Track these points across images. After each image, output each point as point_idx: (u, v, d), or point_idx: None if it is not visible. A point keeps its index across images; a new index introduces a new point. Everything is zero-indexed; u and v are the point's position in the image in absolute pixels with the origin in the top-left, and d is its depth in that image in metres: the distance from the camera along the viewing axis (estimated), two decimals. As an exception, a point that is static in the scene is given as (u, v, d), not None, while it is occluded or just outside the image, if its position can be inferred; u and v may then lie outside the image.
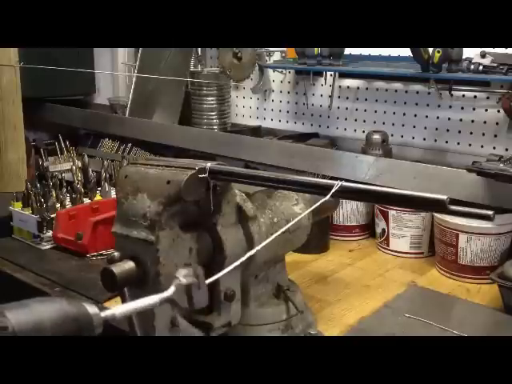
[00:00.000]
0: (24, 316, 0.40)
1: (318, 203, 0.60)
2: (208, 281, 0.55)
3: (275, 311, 0.91)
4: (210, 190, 0.75)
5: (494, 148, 1.43)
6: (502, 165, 1.12)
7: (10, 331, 0.39)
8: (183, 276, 0.55)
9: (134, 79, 1.95)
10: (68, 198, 1.45)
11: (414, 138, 1.57)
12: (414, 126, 1.57)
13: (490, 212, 0.53)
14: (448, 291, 1.15)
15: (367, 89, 1.65)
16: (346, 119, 1.70)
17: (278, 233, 0.55)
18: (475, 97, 1.45)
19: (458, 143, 1.49)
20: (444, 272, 1.23)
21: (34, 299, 0.42)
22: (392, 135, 1.56)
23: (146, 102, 1.96)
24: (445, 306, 1.09)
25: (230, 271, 0.78)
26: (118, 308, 0.46)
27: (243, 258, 0.56)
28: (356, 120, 1.68)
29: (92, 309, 0.44)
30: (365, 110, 1.66)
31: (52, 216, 1.35)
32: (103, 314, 0.45)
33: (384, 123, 1.62)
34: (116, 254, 0.72)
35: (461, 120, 1.48)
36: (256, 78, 1.81)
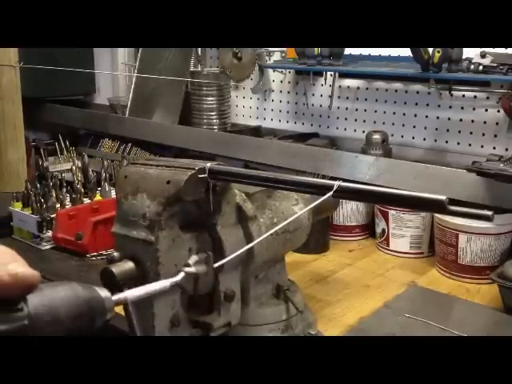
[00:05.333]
0: (37, 299, 0.41)
1: (316, 202, 0.60)
2: (216, 264, 0.56)
3: (275, 311, 0.91)
4: (209, 190, 0.75)
5: (494, 148, 1.43)
6: (501, 165, 1.12)
7: (25, 313, 0.40)
8: (194, 263, 0.55)
9: (133, 79, 1.95)
10: (68, 198, 1.45)
11: (413, 137, 1.57)
12: (414, 126, 1.57)
13: (489, 212, 0.53)
14: (448, 291, 1.15)
15: (367, 89, 1.65)
16: (346, 119, 1.70)
17: (277, 228, 0.56)
18: (475, 97, 1.45)
19: (458, 143, 1.49)
20: (444, 272, 1.23)
21: (46, 284, 0.43)
22: (392, 135, 1.56)
23: (146, 102, 1.96)
24: (445, 306, 1.09)
25: (230, 272, 0.78)
26: (129, 292, 0.47)
27: (242, 250, 0.56)
28: (356, 120, 1.68)
29: (103, 292, 0.45)
30: (365, 110, 1.66)
31: (52, 216, 1.34)
32: (115, 297, 0.46)
33: (384, 123, 1.62)
34: (116, 254, 0.72)
35: (461, 120, 1.48)
36: (256, 78, 1.81)
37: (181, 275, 0.54)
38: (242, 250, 0.57)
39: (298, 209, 0.93)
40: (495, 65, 1.26)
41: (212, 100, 1.82)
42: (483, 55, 1.26)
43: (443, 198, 0.54)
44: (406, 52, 1.46)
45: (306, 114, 1.79)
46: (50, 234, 1.34)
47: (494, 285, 1.07)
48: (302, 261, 1.29)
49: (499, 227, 1.17)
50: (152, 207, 0.72)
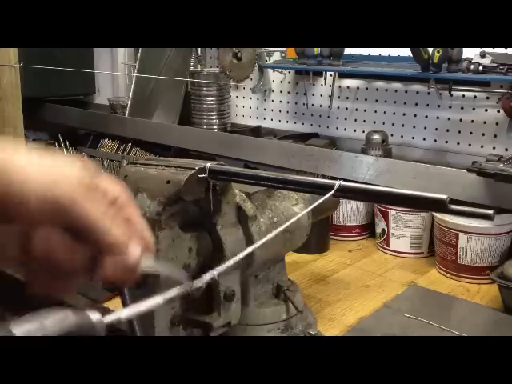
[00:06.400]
0: (27, 325, 0.41)
1: (318, 202, 0.60)
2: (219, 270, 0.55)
3: (275, 311, 0.91)
4: (209, 190, 0.75)
5: (494, 148, 1.43)
6: (501, 165, 1.12)
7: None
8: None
9: (133, 79, 1.95)
10: (68, 198, 1.44)
11: (413, 138, 1.57)
12: (414, 126, 1.57)
13: (490, 211, 0.53)
14: (448, 291, 1.15)
15: (367, 89, 1.65)
16: (345, 119, 1.70)
17: (279, 230, 0.55)
18: (475, 97, 1.45)
19: (458, 143, 1.49)
20: (444, 272, 1.23)
21: (39, 312, 0.43)
22: (392, 135, 1.56)
23: (146, 102, 1.96)
24: (445, 305, 1.09)
25: (229, 271, 0.78)
26: (120, 312, 0.47)
27: (244, 253, 0.55)
28: (356, 120, 1.68)
29: (95, 316, 0.45)
30: (365, 110, 1.66)
31: (52, 216, 1.34)
32: (107, 319, 0.46)
33: (384, 123, 1.62)
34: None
35: (461, 120, 1.48)
36: (256, 78, 1.81)
37: (174, 291, 0.52)
38: (243, 253, 0.57)
39: (298, 209, 0.93)
40: (495, 65, 1.26)
41: (212, 100, 1.82)
42: (483, 55, 1.26)
43: (444, 196, 0.54)
44: (406, 52, 1.46)
45: (306, 114, 1.79)
46: (49, 233, 1.34)
47: (494, 285, 1.07)
48: (302, 261, 1.29)
49: (499, 227, 1.17)
50: (152, 207, 0.72)
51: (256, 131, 1.85)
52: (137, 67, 1.93)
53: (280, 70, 1.80)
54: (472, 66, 1.27)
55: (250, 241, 0.82)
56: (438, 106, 1.51)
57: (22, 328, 0.41)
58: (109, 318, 0.46)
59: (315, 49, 1.51)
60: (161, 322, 0.72)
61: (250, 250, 0.55)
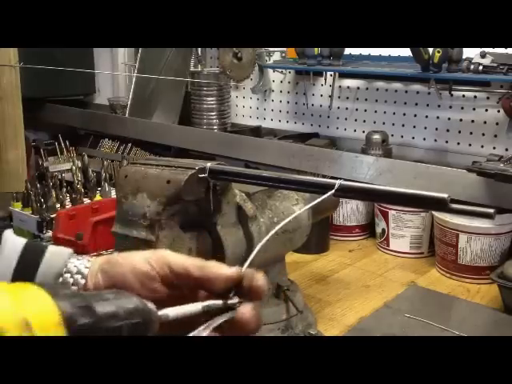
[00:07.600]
0: (108, 306, 0.44)
1: (318, 200, 0.59)
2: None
3: (275, 311, 0.91)
4: (210, 190, 0.75)
5: (494, 148, 1.43)
6: (501, 165, 1.12)
7: (92, 319, 0.42)
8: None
9: (133, 79, 1.95)
10: (68, 198, 1.44)
11: (413, 138, 1.57)
12: (414, 126, 1.57)
13: (490, 210, 0.52)
14: (448, 291, 1.15)
15: (367, 89, 1.65)
16: (346, 119, 1.70)
17: (278, 227, 0.55)
18: (475, 97, 1.45)
19: (458, 143, 1.49)
20: (444, 272, 1.23)
21: (110, 291, 0.46)
22: (392, 135, 1.56)
23: (146, 102, 1.96)
24: (445, 305, 1.09)
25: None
26: (170, 309, 0.49)
27: (253, 254, 0.56)
28: (356, 120, 1.68)
29: (151, 305, 0.48)
30: (365, 110, 1.66)
31: (52, 216, 1.34)
32: (160, 312, 0.48)
33: (384, 123, 1.62)
34: (116, 254, 0.72)
35: (461, 120, 1.48)
36: (256, 78, 1.81)
37: (218, 302, 0.53)
38: (257, 248, 0.57)
39: (298, 209, 0.93)
40: (495, 65, 1.26)
41: (212, 100, 1.82)
42: (483, 55, 1.26)
43: (445, 195, 0.54)
44: (406, 52, 1.46)
45: (306, 114, 1.79)
46: (50, 234, 1.34)
47: (494, 285, 1.07)
48: (302, 261, 1.29)
49: (499, 227, 1.17)
50: (152, 207, 0.72)
51: (256, 131, 1.85)
52: (137, 67, 1.93)
53: (280, 70, 1.80)
54: (472, 66, 1.27)
55: (250, 241, 0.82)
56: (438, 106, 1.51)
57: (105, 303, 0.43)
58: (161, 312, 0.48)
59: (315, 49, 1.51)
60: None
61: (261, 244, 0.56)
